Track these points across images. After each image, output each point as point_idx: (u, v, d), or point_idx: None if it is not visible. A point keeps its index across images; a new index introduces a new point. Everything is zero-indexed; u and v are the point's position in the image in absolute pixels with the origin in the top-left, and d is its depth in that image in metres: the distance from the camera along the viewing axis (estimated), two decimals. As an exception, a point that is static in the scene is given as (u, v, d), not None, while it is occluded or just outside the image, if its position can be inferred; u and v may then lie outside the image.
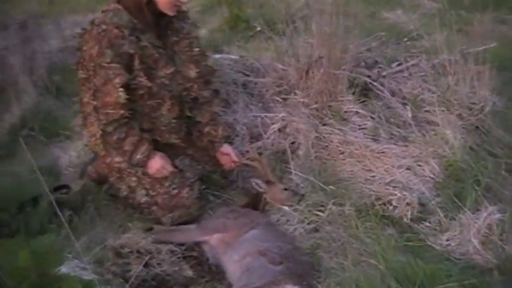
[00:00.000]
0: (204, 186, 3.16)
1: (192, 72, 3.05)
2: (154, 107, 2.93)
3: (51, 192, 2.90)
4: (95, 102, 2.74)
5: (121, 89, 2.71)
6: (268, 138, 3.41)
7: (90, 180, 3.15)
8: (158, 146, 2.97)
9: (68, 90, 4.49)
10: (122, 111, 2.75)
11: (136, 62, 2.77)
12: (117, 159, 2.89)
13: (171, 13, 2.83)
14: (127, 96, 2.74)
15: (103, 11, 2.76)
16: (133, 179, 2.96)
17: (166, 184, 2.94)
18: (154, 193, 2.95)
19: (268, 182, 3.01)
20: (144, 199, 2.96)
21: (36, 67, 4.65)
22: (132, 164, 2.89)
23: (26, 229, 2.75)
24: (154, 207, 2.95)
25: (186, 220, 2.95)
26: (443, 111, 3.51)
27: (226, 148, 3.16)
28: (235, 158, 3.13)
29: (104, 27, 2.67)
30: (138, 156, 2.86)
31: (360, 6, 6.02)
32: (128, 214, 3.01)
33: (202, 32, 5.68)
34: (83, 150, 3.55)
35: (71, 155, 3.61)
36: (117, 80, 2.70)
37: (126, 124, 2.80)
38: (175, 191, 2.95)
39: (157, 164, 2.91)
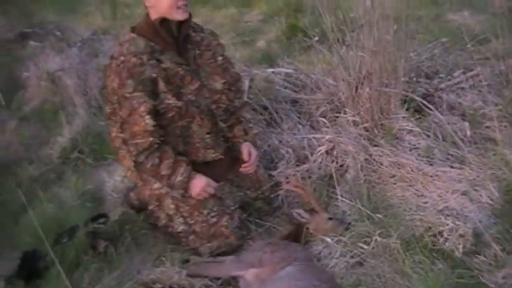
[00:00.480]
0: (245, 214, 3.06)
1: (218, 84, 2.98)
2: (185, 126, 2.86)
3: (89, 222, 2.92)
4: (122, 135, 2.72)
5: (147, 117, 2.67)
6: (315, 161, 3.26)
7: (131, 207, 3.15)
8: (196, 169, 2.88)
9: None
10: (151, 139, 2.71)
11: (161, 85, 2.72)
12: (156, 185, 2.87)
13: (180, 17, 2.76)
14: (154, 123, 2.70)
15: (120, 44, 2.74)
16: (172, 206, 2.90)
17: (205, 212, 2.86)
18: (192, 221, 2.88)
19: (312, 211, 2.88)
20: (181, 227, 2.89)
21: (90, 87, 4.68)
22: (173, 188, 2.82)
23: (61, 261, 2.71)
24: (192, 237, 2.88)
25: (225, 251, 2.86)
26: (505, 127, 3.26)
27: (245, 146, 3.06)
28: (245, 157, 3.02)
29: (122, 58, 2.66)
30: (178, 179, 2.79)
31: (425, 9, 5.80)
32: (165, 245, 2.96)
33: (260, 43, 5.63)
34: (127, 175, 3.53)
35: (115, 179, 3.62)
36: (142, 109, 2.66)
37: (157, 149, 2.74)
38: (214, 220, 2.86)
39: (200, 183, 2.84)
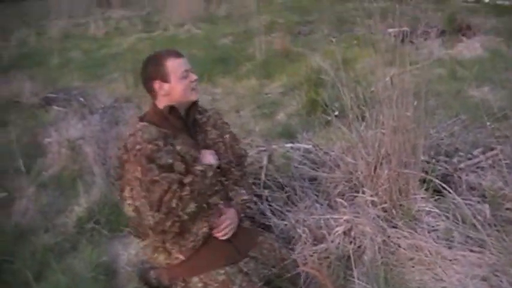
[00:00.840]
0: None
1: (222, 164, 3.01)
2: None
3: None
4: (160, 215, 2.69)
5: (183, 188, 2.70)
6: (332, 241, 3.21)
7: (148, 286, 3.11)
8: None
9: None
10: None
11: (178, 168, 2.74)
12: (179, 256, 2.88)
13: (194, 98, 2.86)
14: (190, 189, 2.71)
15: (131, 134, 2.75)
16: (200, 285, 2.84)
17: None
18: None
19: (328, 294, 2.82)
20: None
21: (110, 156, 4.71)
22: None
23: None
24: None
25: None
26: (526, 209, 3.21)
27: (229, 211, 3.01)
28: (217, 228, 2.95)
29: (138, 147, 2.67)
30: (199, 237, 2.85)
31: (445, 84, 5.83)
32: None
33: (280, 116, 5.66)
34: (142, 248, 3.51)
35: (130, 253, 3.61)
36: (174, 186, 2.67)
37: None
38: None
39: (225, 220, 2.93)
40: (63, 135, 5.32)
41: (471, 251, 3.02)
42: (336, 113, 4.59)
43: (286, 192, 3.64)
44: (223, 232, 2.94)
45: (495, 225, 3.19)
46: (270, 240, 3.16)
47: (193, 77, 2.85)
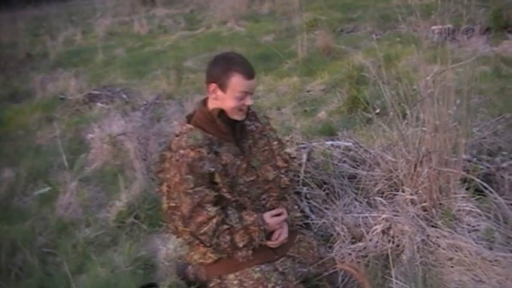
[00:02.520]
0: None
1: (270, 175, 2.99)
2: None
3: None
4: (188, 229, 2.76)
5: (208, 206, 2.72)
6: (371, 240, 3.18)
7: (186, 281, 3.14)
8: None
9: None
10: (215, 220, 2.73)
11: (218, 179, 2.76)
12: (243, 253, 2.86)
13: (238, 118, 2.83)
14: (216, 208, 2.74)
15: (177, 135, 2.80)
16: (235, 282, 2.86)
17: (270, 286, 2.79)
18: None
19: (365, 293, 2.80)
20: None
21: (150, 152, 4.76)
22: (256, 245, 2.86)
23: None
24: None
25: None
26: None
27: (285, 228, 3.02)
28: (274, 236, 2.96)
29: (181, 152, 2.69)
30: (257, 240, 2.84)
31: (489, 82, 5.71)
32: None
33: (321, 114, 5.64)
34: (179, 243, 3.55)
35: (168, 248, 3.64)
36: (204, 202, 2.72)
37: (224, 226, 2.77)
38: None
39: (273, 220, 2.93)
40: (105, 131, 5.40)
41: (512, 252, 2.95)
42: (377, 110, 4.55)
43: (325, 190, 3.62)
44: (275, 244, 2.97)
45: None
46: (308, 238, 3.17)
47: (248, 101, 2.80)
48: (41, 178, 5.14)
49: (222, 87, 2.73)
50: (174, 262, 3.45)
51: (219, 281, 2.90)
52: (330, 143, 4.22)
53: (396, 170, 3.53)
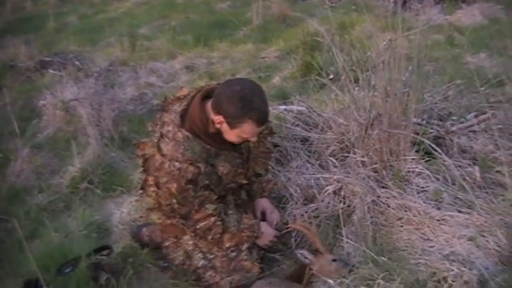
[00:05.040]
0: (262, 251, 3.05)
1: (260, 169, 3.10)
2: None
3: (93, 253, 2.93)
4: (182, 223, 2.81)
5: (207, 205, 2.75)
6: (322, 201, 3.24)
7: (140, 243, 3.16)
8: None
9: (133, 141, 4.55)
10: (213, 218, 2.79)
11: (211, 187, 2.77)
12: (186, 238, 2.96)
13: (236, 143, 2.79)
14: (215, 206, 2.78)
15: (172, 139, 2.66)
16: (190, 242, 2.90)
17: (224, 247, 2.86)
18: (211, 256, 2.89)
19: (316, 252, 2.85)
20: (201, 263, 2.90)
21: (104, 117, 4.72)
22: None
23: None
24: (211, 272, 2.88)
25: (245, 284, 2.85)
26: (515, 172, 3.21)
27: (258, 203, 3.13)
28: (257, 215, 3.10)
29: (177, 165, 2.61)
30: (245, 246, 2.92)
31: (442, 51, 5.80)
32: (167, 280, 2.99)
33: (275, 80, 5.65)
34: (134, 207, 3.56)
35: (122, 211, 3.67)
36: (206, 206, 2.74)
37: (220, 225, 2.82)
38: (234, 254, 2.87)
39: (268, 237, 3.01)
40: (58, 98, 5.31)
41: (459, 211, 3.03)
42: (331, 76, 4.57)
43: (278, 153, 3.65)
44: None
45: (484, 188, 3.20)
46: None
47: (253, 139, 2.77)
48: (-9, 146, 5.04)
49: (231, 125, 2.61)
50: (128, 225, 3.48)
51: (175, 240, 2.93)
52: (283, 107, 4.23)
53: (348, 133, 3.58)
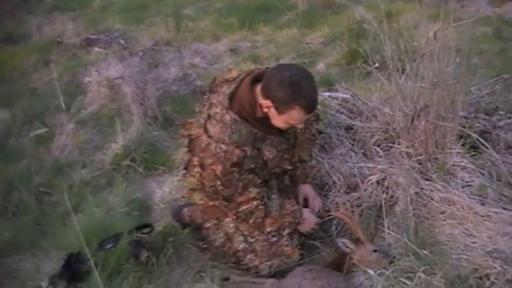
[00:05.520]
0: (303, 237, 3.05)
1: (305, 155, 3.09)
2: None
3: (134, 231, 2.96)
4: (225, 205, 2.83)
5: (251, 189, 2.75)
6: (365, 190, 3.22)
7: (180, 223, 3.19)
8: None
9: (176, 121, 4.62)
10: (255, 202, 2.79)
11: (256, 171, 2.77)
12: (228, 220, 2.97)
13: (283, 128, 2.77)
14: (258, 190, 2.78)
15: (219, 120, 2.67)
16: (231, 225, 2.92)
17: (266, 231, 2.87)
18: (252, 240, 2.90)
19: (357, 241, 2.84)
20: (242, 246, 2.91)
21: (148, 96, 4.76)
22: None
23: (104, 267, 2.83)
24: (251, 255, 2.89)
25: (285, 270, 2.85)
26: (562, 170, 3.15)
27: (300, 189, 3.13)
28: (300, 201, 3.10)
29: (223, 147, 2.62)
30: (286, 231, 2.91)
31: (490, 43, 5.69)
32: (207, 261, 3.02)
33: (320, 66, 5.62)
34: (175, 187, 3.61)
35: (164, 190, 3.71)
36: (250, 189, 2.75)
37: (262, 209, 2.83)
38: (275, 239, 2.88)
39: (310, 224, 3.02)
40: (103, 75, 5.37)
41: (504, 208, 2.98)
42: (376, 64, 4.52)
43: (322, 139, 3.63)
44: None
45: (529, 187, 3.15)
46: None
47: (300, 126, 2.78)
48: (37, 120, 5.12)
49: (279, 110, 2.60)
50: (169, 204, 3.52)
51: (216, 221, 2.96)
52: (327, 94, 4.20)
53: (393, 122, 3.54)
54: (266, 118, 2.69)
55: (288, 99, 2.52)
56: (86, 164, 4.20)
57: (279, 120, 2.66)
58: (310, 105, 2.58)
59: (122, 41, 7.20)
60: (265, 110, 2.63)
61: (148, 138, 4.30)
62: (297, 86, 2.51)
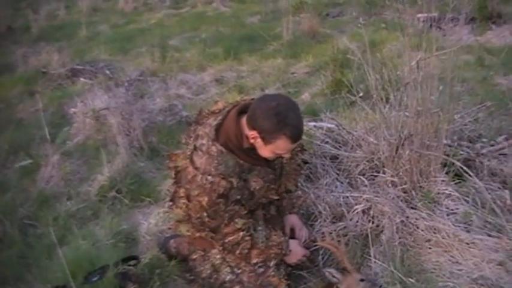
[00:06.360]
0: (289, 268, 3.04)
1: (291, 186, 3.09)
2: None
3: (120, 263, 2.95)
4: (216, 242, 2.84)
5: (237, 220, 2.75)
6: (351, 219, 3.23)
7: (167, 255, 3.18)
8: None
9: (162, 152, 4.64)
10: (241, 233, 2.78)
11: (242, 202, 2.78)
12: (215, 251, 2.95)
13: (270, 158, 2.79)
14: (244, 221, 2.77)
15: (206, 152, 2.67)
16: (218, 256, 2.91)
17: (252, 262, 2.86)
18: (239, 271, 2.88)
19: (344, 271, 2.85)
20: (229, 277, 2.89)
21: (134, 127, 4.77)
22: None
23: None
24: (238, 287, 2.87)
25: None
26: (546, 198, 3.19)
27: (287, 220, 3.13)
28: (286, 231, 3.10)
29: (210, 178, 2.61)
30: (273, 262, 2.90)
31: (472, 71, 5.78)
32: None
33: (305, 96, 5.67)
34: (161, 218, 3.61)
35: (150, 222, 3.69)
36: (236, 220, 2.75)
37: (248, 240, 2.82)
38: (262, 270, 2.86)
39: (297, 256, 3.00)
40: (88, 106, 5.38)
41: (489, 235, 3.01)
42: (361, 94, 4.56)
43: (307, 170, 3.65)
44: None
45: (513, 214, 3.19)
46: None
47: (286, 155, 2.78)
48: (22, 151, 5.12)
49: (265, 140, 2.61)
50: (155, 236, 3.51)
51: (202, 253, 2.95)
52: (312, 124, 4.24)
53: (378, 152, 3.56)
54: (253, 149, 2.69)
55: (274, 129, 2.54)
56: (71, 196, 4.18)
57: (265, 151, 2.66)
58: (296, 135, 2.60)
59: (108, 72, 7.25)
60: (252, 140, 2.63)
61: (134, 169, 4.30)
62: (283, 116, 2.51)
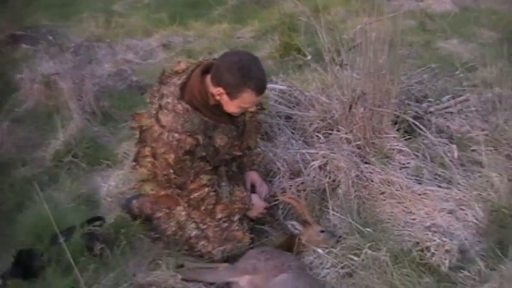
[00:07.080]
0: (252, 222, 3.15)
1: (252, 142, 3.17)
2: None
3: (86, 224, 2.97)
4: (178, 193, 2.89)
5: (202, 176, 2.83)
6: (308, 175, 3.35)
7: (130, 214, 3.21)
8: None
9: (115, 116, 4.61)
10: (207, 189, 2.86)
11: (207, 158, 2.84)
12: (179, 208, 3.03)
13: (235, 114, 2.86)
14: (209, 177, 2.85)
15: (172, 110, 2.72)
16: (183, 213, 2.99)
17: (217, 218, 2.94)
18: (204, 226, 2.96)
19: (305, 223, 2.97)
20: (194, 233, 2.97)
21: (85, 92, 4.73)
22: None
23: (57, 261, 2.80)
24: (204, 242, 2.96)
25: (237, 254, 2.94)
26: (490, 151, 3.39)
27: (247, 176, 3.22)
28: (247, 187, 3.18)
29: (176, 136, 2.67)
30: (236, 217, 3.00)
31: (415, 36, 5.95)
32: (161, 250, 3.05)
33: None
34: (121, 180, 3.62)
35: (110, 184, 3.68)
36: (201, 176, 2.82)
37: (213, 196, 2.90)
38: (226, 224, 2.96)
39: (258, 209, 3.10)
40: (35, 72, 5.28)
41: (439, 186, 3.20)
42: (309, 57, 4.66)
43: (263, 128, 3.73)
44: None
45: (462, 165, 3.37)
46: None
47: (252, 109, 2.86)
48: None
49: (231, 96, 2.68)
50: (116, 198, 3.52)
51: (167, 211, 3.01)
52: (266, 86, 4.29)
53: (331, 111, 3.69)
54: (218, 106, 2.77)
55: (239, 83, 2.62)
56: (26, 162, 4.12)
57: (232, 106, 2.75)
58: (260, 87, 2.68)
59: (51, 38, 7.08)
60: (218, 97, 2.71)
61: (89, 133, 4.28)
62: (247, 70, 2.61)
